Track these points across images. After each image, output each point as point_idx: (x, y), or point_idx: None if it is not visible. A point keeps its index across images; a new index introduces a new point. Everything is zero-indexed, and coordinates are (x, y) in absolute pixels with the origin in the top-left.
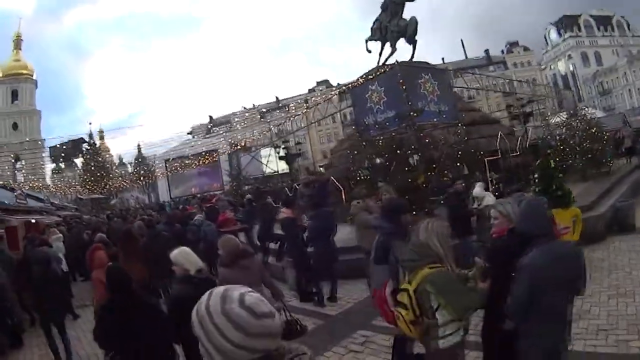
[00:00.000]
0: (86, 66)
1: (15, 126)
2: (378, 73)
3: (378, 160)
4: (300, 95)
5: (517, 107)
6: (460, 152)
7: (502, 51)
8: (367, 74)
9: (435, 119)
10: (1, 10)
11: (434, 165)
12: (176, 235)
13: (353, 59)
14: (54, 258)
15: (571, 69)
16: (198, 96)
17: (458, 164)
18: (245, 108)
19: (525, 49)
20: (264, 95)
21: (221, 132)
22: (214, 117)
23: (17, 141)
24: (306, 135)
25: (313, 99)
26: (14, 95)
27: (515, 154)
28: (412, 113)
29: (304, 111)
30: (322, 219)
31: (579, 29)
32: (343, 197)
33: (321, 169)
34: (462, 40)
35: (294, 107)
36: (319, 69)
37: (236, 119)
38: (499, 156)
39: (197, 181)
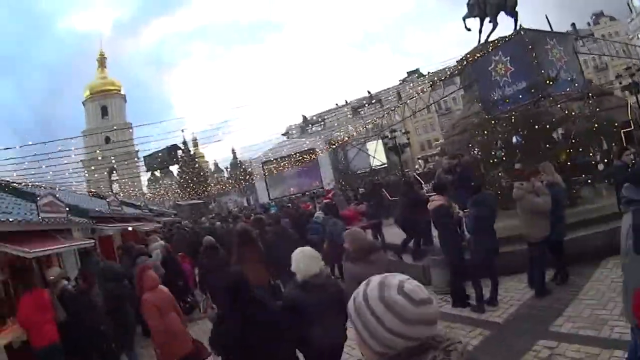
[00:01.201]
0: (172, 77)
1: (107, 140)
2: (500, 42)
3: (515, 139)
4: (392, 87)
5: (625, 77)
6: (597, 125)
7: (588, 23)
8: (481, 47)
9: (568, 89)
10: (83, 32)
11: (574, 141)
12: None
13: (438, 45)
14: (126, 274)
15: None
16: (289, 98)
17: (597, 138)
18: (337, 105)
19: (612, 18)
20: (356, 91)
21: (317, 130)
22: (307, 116)
23: (110, 155)
24: (402, 129)
25: (407, 89)
26: (104, 111)
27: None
28: (548, 82)
29: (400, 104)
30: (486, 204)
31: None
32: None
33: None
34: (547, 16)
35: (388, 102)
36: (406, 59)
37: (330, 117)
38: (632, 128)
39: (296, 181)
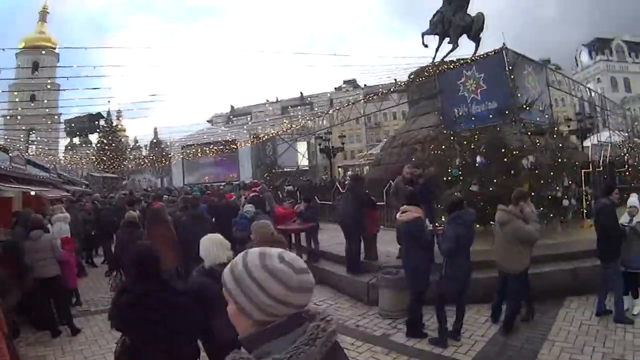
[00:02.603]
0: (108, 45)
1: (32, 98)
2: (477, 58)
3: (479, 160)
4: (325, 92)
5: (572, 122)
6: (560, 160)
7: None
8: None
9: (538, 119)
10: None
11: (537, 172)
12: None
13: (380, 62)
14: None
15: (600, 92)
16: (220, 85)
17: (560, 174)
18: (268, 101)
19: (557, 67)
20: (289, 91)
21: (241, 122)
22: (235, 107)
23: (33, 114)
24: (330, 136)
25: (339, 99)
26: (35, 67)
27: (599, 169)
28: (525, 107)
29: (331, 111)
30: (467, 224)
31: (611, 53)
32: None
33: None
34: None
35: (318, 107)
36: (346, 69)
37: (257, 112)
38: (590, 169)
39: (213, 170)
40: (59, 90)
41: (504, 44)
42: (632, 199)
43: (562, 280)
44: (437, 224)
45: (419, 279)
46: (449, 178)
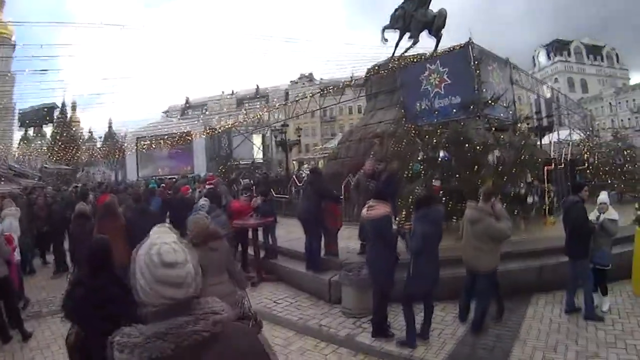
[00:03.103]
0: (65, 33)
1: None
2: (443, 52)
3: (442, 155)
4: (282, 86)
5: (530, 120)
6: (524, 157)
7: None
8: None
9: (502, 114)
10: None
11: (501, 168)
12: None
13: (338, 55)
14: None
15: (556, 92)
16: (176, 77)
17: (523, 171)
18: (224, 93)
19: (515, 67)
20: (245, 84)
21: (197, 114)
22: (191, 99)
23: None
24: (286, 129)
25: (295, 92)
26: None
27: (561, 167)
28: (490, 102)
29: (287, 104)
30: (436, 223)
31: (569, 55)
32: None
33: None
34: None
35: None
36: (303, 63)
37: (213, 104)
38: (553, 166)
39: (167, 162)
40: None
41: (470, 38)
42: (602, 196)
43: (528, 277)
44: (406, 222)
45: (385, 278)
46: (410, 173)
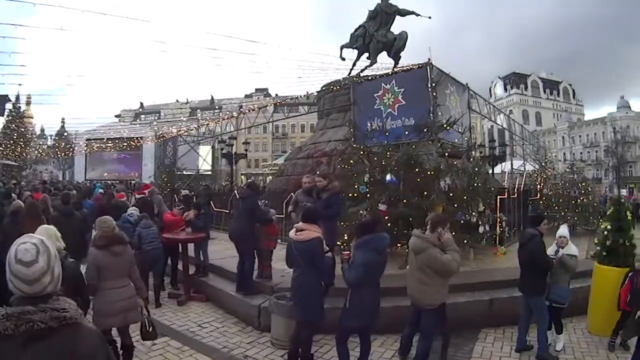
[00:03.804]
0: (25, 25)
1: None
2: (399, 71)
3: (389, 178)
4: (236, 98)
5: (484, 148)
6: (477, 184)
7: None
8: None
9: (456, 140)
10: None
11: (451, 195)
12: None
13: (293, 74)
14: None
15: (512, 122)
16: (130, 81)
17: (475, 199)
18: (178, 101)
19: (473, 93)
20: (200, 93)
21: (149, 120)
22: (145, 104)
23: None
24: (234, 141)
25: (249, 105)
26: None
27: (514, 196)
28: (445, 126)
29: (236, 114)
30: (380, 251)
31: (526, 88)
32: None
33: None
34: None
35: (228, 111)
36: (258, 77)
37: (166, 110)
38: (505, 195)
39: (116, 167)
40: None
41: (429, 59)
42: (563, 229)
43: (477, 311)
44: (344, 250)
45: (312, 309)
46: (355, 195)
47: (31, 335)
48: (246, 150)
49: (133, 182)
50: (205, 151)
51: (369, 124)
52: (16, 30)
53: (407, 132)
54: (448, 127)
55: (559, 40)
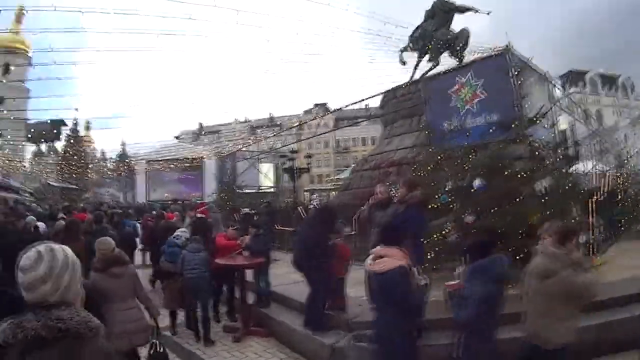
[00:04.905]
0: (82, 51)
1: (1, 100)
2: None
3: (477, 183)
4: (295, 115)
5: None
6: (568, 186)
7: None
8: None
9: (543, 137)
10: None
11: (545, 200)
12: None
13: (352, 86)
14: None
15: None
16: (189, 103)
17: (568, 203)
18: (237, 120)
19: (554, 83)
20: (259, 112)
21: (210, 140)
22: (204, 125)
23: (1, 117)
24: (296, 155)
25: (308, 120)
26: (6, 68)
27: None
28: (535, 118)
29: (297, 124)
30: (499, 279)
31: (584, 86)
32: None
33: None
34: None
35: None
36: (318, 93)
37: (226, 130)
38: (597, 197)
39: (177, 187)
40: (29, 88)
41: (507, 44)
42: None
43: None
44: (453, 281)
45: (403, 351)
46: (436, 205)
47: (27, 344)
48: (308, 164)
49: (188, 201)
50: (266, 168)
51: (445, 125)
52: (73, 55)
53: (491, 130)
54: (538, 120)
55: (609, 33)
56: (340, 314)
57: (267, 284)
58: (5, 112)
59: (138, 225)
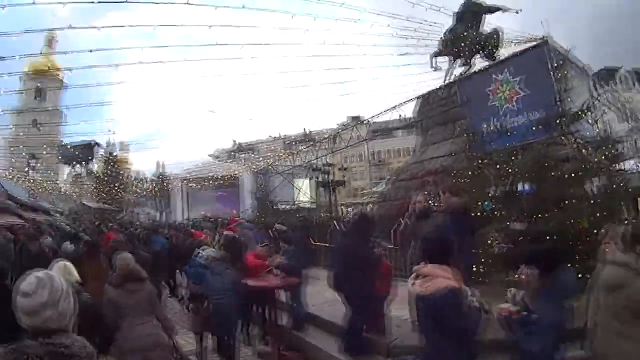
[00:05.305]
0: (115, 74)
1: (35, 123)
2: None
3: (522, 188)
4: (329, 129)
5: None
6: (618, 186)
7: None
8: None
9: (587, 133)
10: (37, 7)
11: (597, 201)
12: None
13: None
14: None
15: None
16: (224, 120)
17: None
18: (271, 137)
19: (597, 78)
20: (293, 127)
21: (245, 157)
22: (238, 142)
23: (36, 139)
24: (330, 168)
25: (342, 133)
26: (39, 92)
27: None
28: (579, 113)
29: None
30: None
31: (615, 83)
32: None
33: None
34: None
35: (320, 141)
36: (350, 105)
37: (261, 147)
38: None
39: (214, 205)
40: (63, 110)
41: (544, 36)
42: None
43: None
44: (511, 306)
45: None
46: (480, 213)
47: None
48: (344, 176)
49: (221, 218)
50: (301, 183)
51: (485, 126)
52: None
53: (534, 128)
54: (584, 115)
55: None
56: (379, 337)
57: (301, 305)
58: (38, 134)
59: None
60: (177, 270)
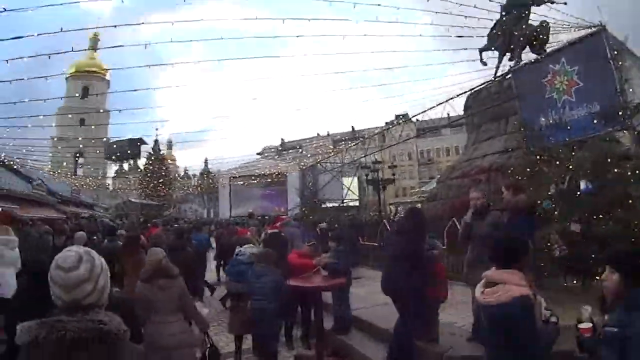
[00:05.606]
0: (161, 74)
1: (82, 122)
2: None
3: (584, 186)
4: (377, 127)
5: None
6: None
7: None
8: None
9: None
10: (83, 7)
11: None
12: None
13: (432, 96)
14: None
15: None
16: (271, 119)
17: None
18: (319, 135)
19: None
20: (340, 126)
21: (293, 155)
22: (286, 140)
23: (83, 137)
24: (379, 166)
25: (390, 131)
26: (85, 92)
27: None
28: None
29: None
30: None
31: None
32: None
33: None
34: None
35: (371, 141)
36: (397, 103)
37: (309, 145)
38: None
39: (260, 203)
40: (109, 111)
41: (600, 22)
42: None
43: None
44: (583, 322)
45: None
46: (541, 213)
47: (62, 344)
48: (393, 174)
49: (267, 216)
50: (348, 182)
51: (542, 119)
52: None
53: (594, 121)
54: None
55: None
56: (431, 346)
57: (347, 307)
58: (85, 132)
59: (210, 238)
60: (221, 268)
